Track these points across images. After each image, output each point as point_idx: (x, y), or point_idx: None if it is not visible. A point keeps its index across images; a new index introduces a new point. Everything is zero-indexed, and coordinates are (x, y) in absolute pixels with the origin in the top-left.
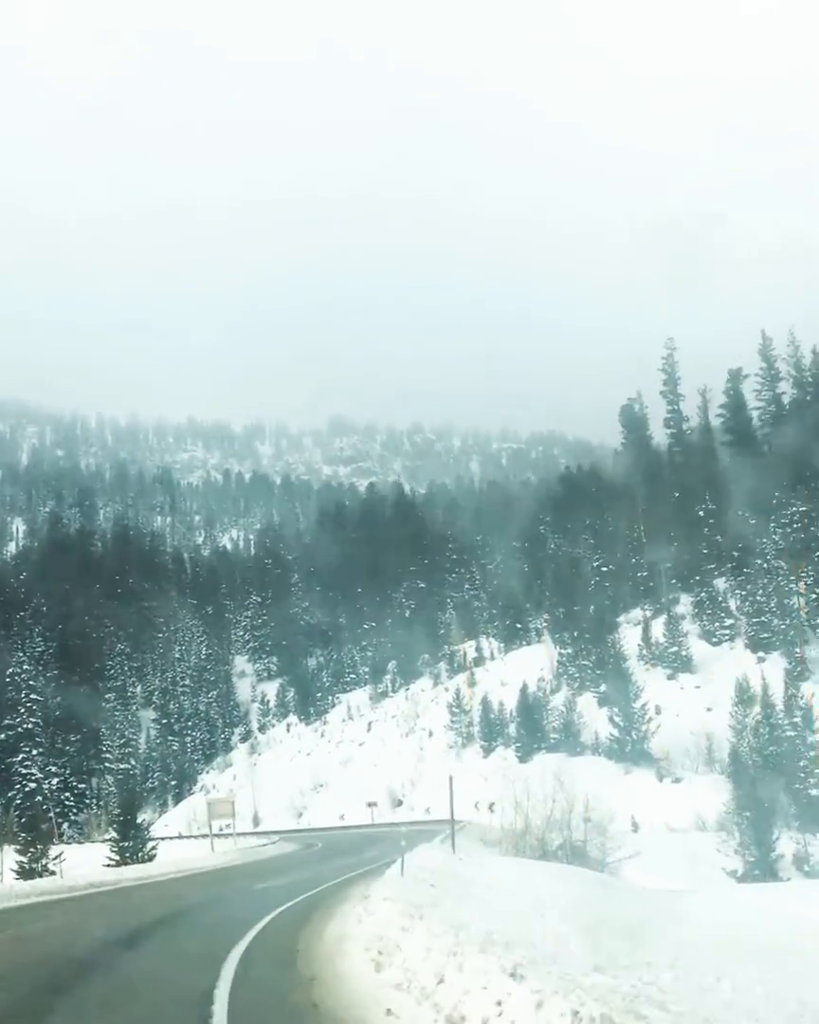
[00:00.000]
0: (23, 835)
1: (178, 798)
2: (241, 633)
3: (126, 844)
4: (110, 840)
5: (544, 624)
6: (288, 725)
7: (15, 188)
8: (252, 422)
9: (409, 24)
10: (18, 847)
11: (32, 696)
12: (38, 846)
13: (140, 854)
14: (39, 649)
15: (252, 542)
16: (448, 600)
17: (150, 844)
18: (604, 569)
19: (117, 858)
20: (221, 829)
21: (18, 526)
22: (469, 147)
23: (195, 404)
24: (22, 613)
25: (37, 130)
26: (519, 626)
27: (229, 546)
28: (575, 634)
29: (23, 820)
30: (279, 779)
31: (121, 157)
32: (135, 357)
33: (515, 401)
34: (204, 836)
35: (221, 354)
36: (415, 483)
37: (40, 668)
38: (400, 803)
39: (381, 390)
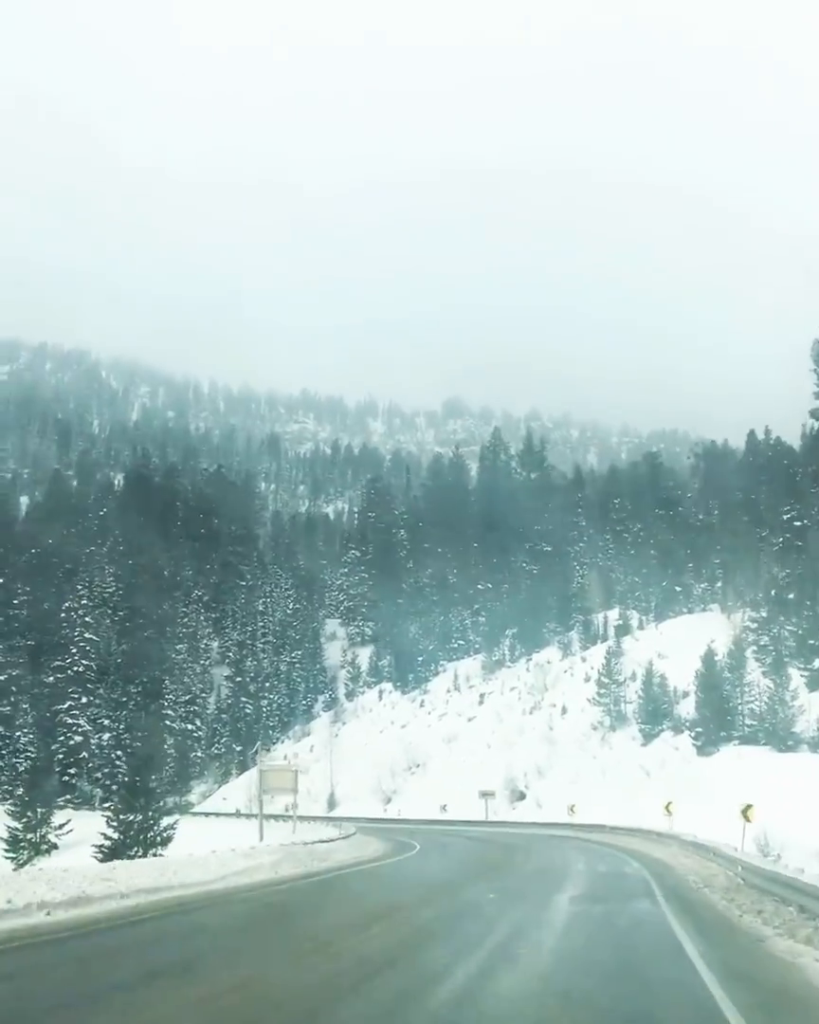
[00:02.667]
0: (20, 796)
1: (244, 768)
2: (335, 594)
3: (132, 818)
4: (109, 811)
5: (711, 589)
6: (381, 692)
7: (160, 152)
8: (365, 398)
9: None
10: (10, 808)
11: (86, 635)
12: (35, 811)
13: (149, 836)
14: (109, 589)
15: (356, 509)
16: (578, 566)
17: (168, 821)
18: (798, 523)
19: (115, 840)
20: (286, 809)
21: (119, 479)
22: (611, 136)
23: (310, 377)
24: (92, 548)
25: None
26: (678, 589)
27: (331, 515)
28: (770, 595)
29: (26, 775)
30: (365, 755)
31: (263, 131)
32: (252, 327)
33: (638, 399)
34: (255, 816)
35: (340, 329)
36: None
37: (103, 608)
38: (522, 796)
39: (500, 377)
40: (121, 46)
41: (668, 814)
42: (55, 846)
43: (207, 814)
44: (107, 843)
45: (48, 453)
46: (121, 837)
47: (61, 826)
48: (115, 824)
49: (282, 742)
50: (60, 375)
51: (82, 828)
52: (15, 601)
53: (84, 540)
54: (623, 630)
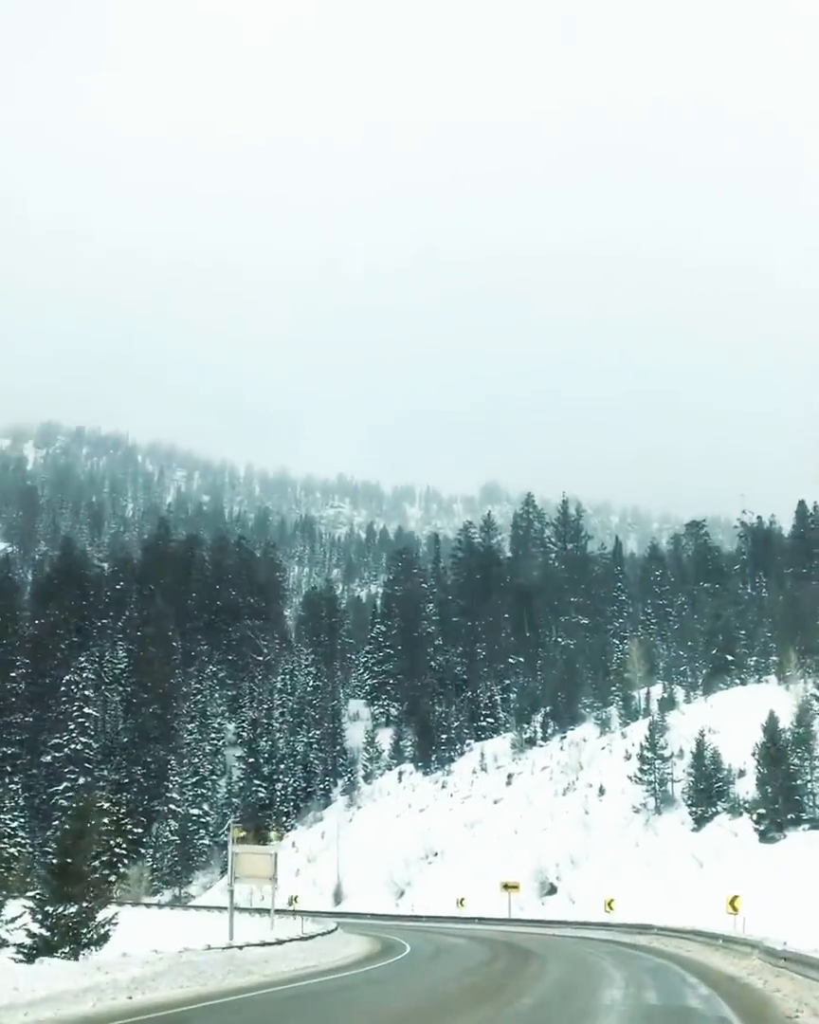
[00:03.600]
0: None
1: None
2: (360, 672)
3: (60, 910)
4: (33, 902)
5: (764, 661)
6: (401, 773)
7: (198, 241)
8: (402, 484)
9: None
10: (34, 901)
11: (86, 711)
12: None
13: (81, 932)
14: (118, 664)
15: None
16: (617, 640)
17: (106, 914)
18: None
19: (38, 937)
20: (290, 902)
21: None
22: (651, 215)
23: (347, 462)
24: (103, 622)
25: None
26: (730, 657)
27: (364, 598)
28: None
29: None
30: (379, 843)
31: (302, 218)
32: (290, 413)
33: (676, 485)
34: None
35: (378, 415)
36: None
37: (110, 684)
38: (552, 889)
39: (538, 463)
40: (173, 137)
41: (733, 911)
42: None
43: (198, 907)
44: (28, 942)
45: (80, 535)
46: (48, 933)
47: (12, 919)
48: (39, 917)
49: (295, 829)
50: (96, 459)
51: None
52: (13, 674)
53: (96, 614)
54: (668, 704)
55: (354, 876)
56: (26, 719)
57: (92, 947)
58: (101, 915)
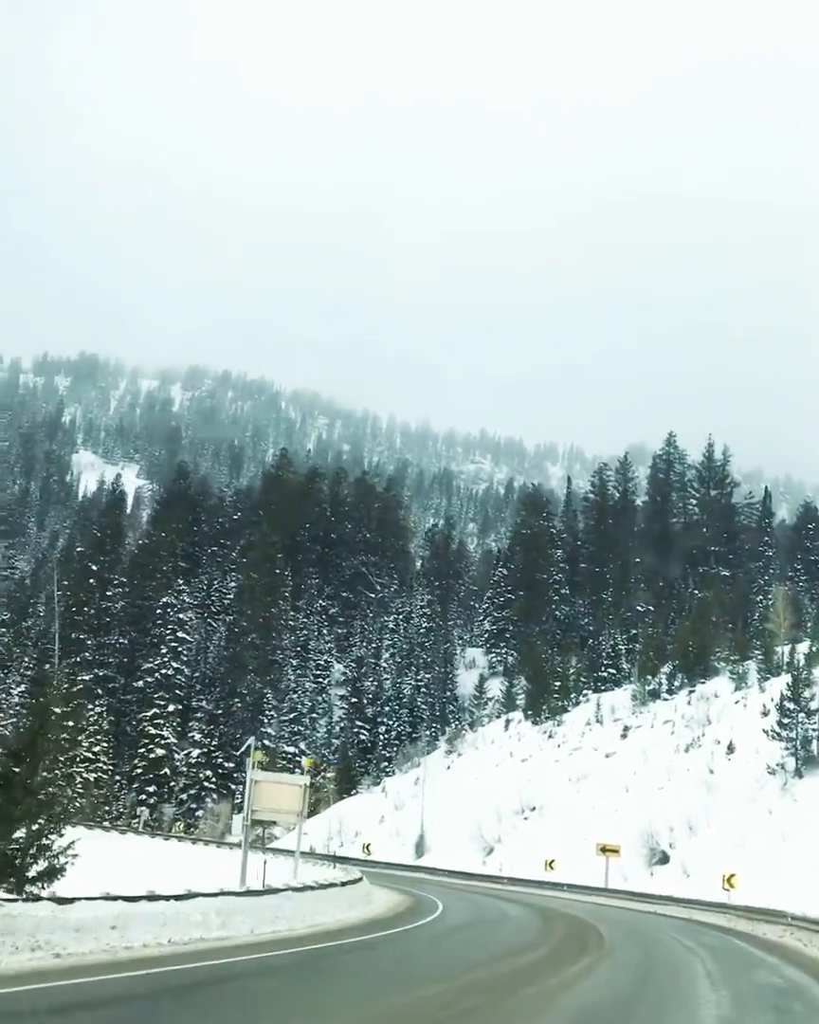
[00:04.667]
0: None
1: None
2: (480, 620)
3: None
4: None
5: None
6: (508, 722)
7: (359, 195)
8: (546, 441)
9: None
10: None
11: (178, 634)
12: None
13: (22, 863)
14: (228, 597)
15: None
16: (761, 594)
17: (64, 842)
18: None
19: None
20: (365, 850)
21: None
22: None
23: (490, 418)
24: (213, 548)
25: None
26: None
27: (496, 550)
28: None
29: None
30: (472, 792)
31: (451, 175)
32: (436, 366)
33: None
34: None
35: (522, 371)
36: None
37: (214, 613)
38: (665, 858)
39: (688, 427)
40: (329, 95)
41: None
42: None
43: (274, 850)
44: None
45: (219, 475)
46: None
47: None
48: None
49: (394, 775)
50: (240, 403)
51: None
52: (110, 593)
53: (208, 541)
54: (815, 658)
55: (441, 828)
56: (121, 641)
57: (40, 882)
58: (60, 842)
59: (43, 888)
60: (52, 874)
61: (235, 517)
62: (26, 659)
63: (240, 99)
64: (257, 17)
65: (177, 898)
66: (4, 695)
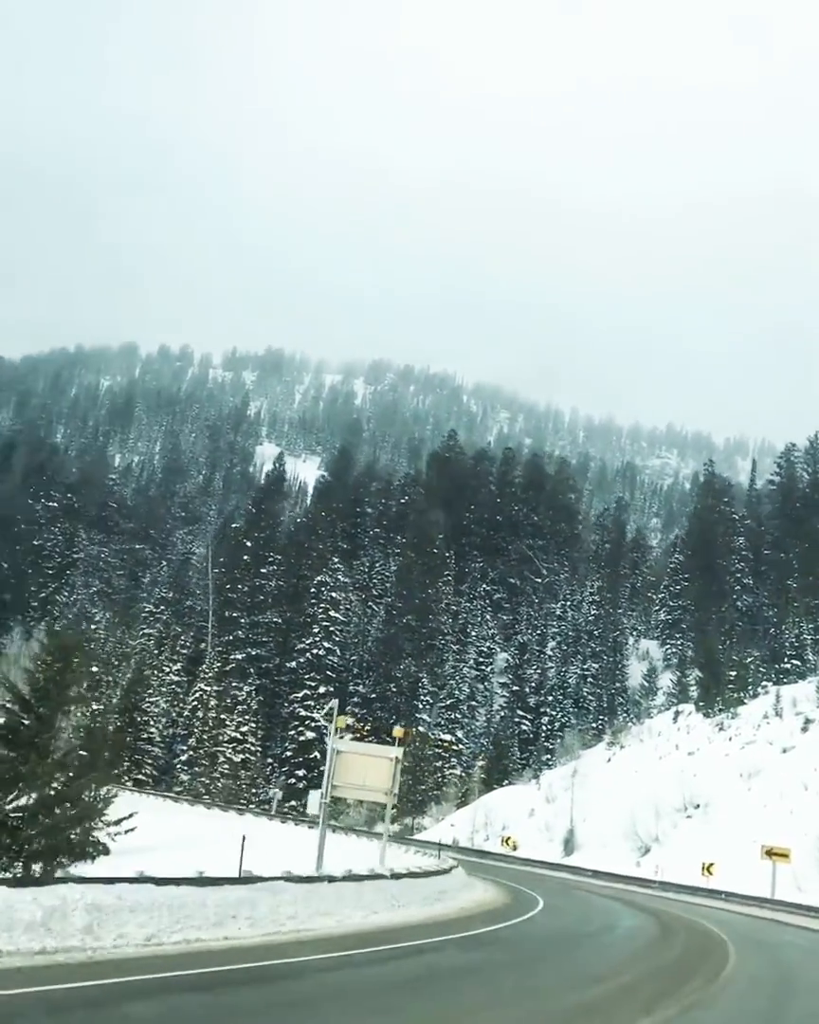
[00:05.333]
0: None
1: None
2: (656, 609)
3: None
4: None
5: None
6: (677, 713)
7: (544, 187)
8: (736, 436)
9: None
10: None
11: (331, 614)
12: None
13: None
14: (389, 580)
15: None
16: None
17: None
18: None
19: None
20: (508, 845)
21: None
22: None
23: (677, 412)
24: (376, 530)
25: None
26: None
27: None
28: None
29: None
30: (631, 786)
31: (653, 165)
32: (621, 360)
33: None
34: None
35: (711, 364)
36: None
37: (374, 597)
38: None
39: None
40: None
41: None
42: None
43: (415, 841)
44: None
45: (399, 468)
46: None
47: (118, 821)
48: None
49: (554, 767)
50: (422, 397)
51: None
52: (264, 570)
53: (371, 523)
54: None
55: (594, 824)
56: (275, 620)
57: (85, 858)
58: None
59: (82, 866)
60: (94, 851)
61: (403, 502)
62: (183, 638)
63: (423, 93)
64: (457, 9)
65: (326, 879)
66: (161, 673)
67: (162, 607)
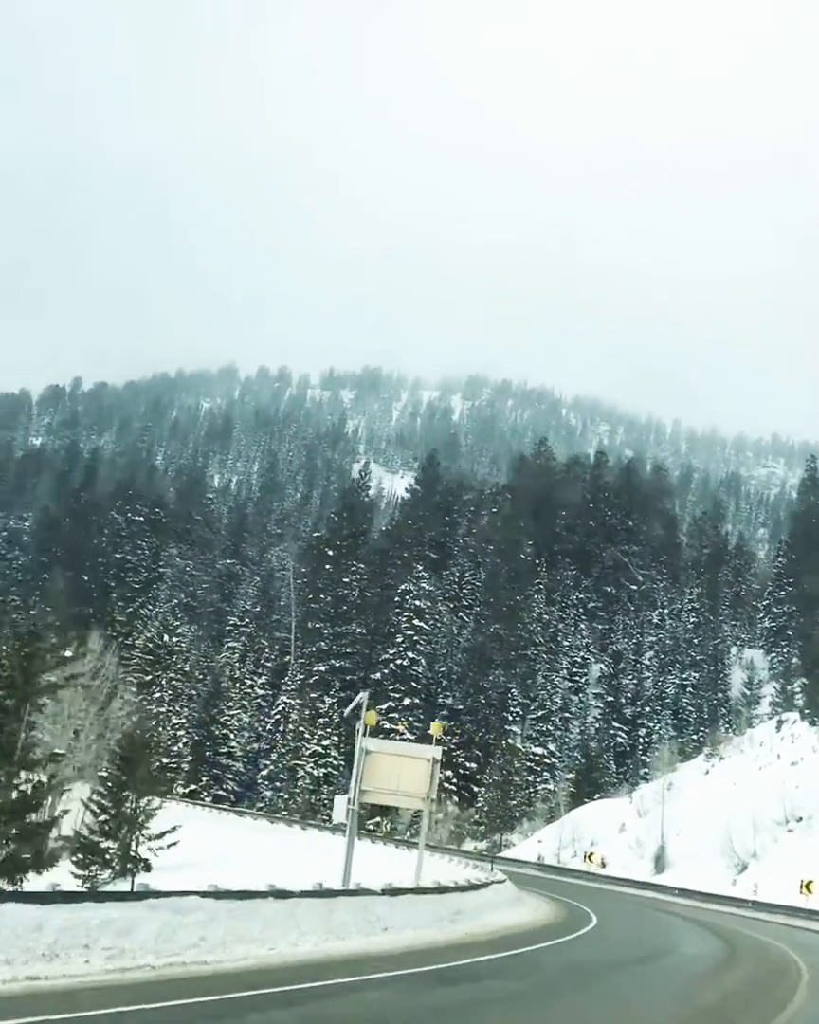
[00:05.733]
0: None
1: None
2: (760, 616)
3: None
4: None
5: None
6: (780, 722)
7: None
8: None
9: None
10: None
11: (415, 623)
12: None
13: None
14: (463, 578)
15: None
16: None
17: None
18: None
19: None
20: (591, 861)
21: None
22: None
23: (782, 421)
24: (467, 539)
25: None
26: None
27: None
28: None
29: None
30: (727, 798)
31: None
32: (722, 369)
33: None
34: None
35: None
36: None
37: (464, 606)
38: None
39: None
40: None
41: None
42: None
43: (497, 857)
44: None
45: (496, 481)
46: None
47: (160, 835)
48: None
49: (650, 780)
50: (520, 412)
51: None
52: (347, 580)
53: (460, 531)
54: None
55: (687, 839)
56: (360, 631)
57: (138, 869)
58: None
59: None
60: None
61: (493, 510)
62: (267, 652)
63: (512, 112)
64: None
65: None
66: (244, 687)
67: (248, 621)
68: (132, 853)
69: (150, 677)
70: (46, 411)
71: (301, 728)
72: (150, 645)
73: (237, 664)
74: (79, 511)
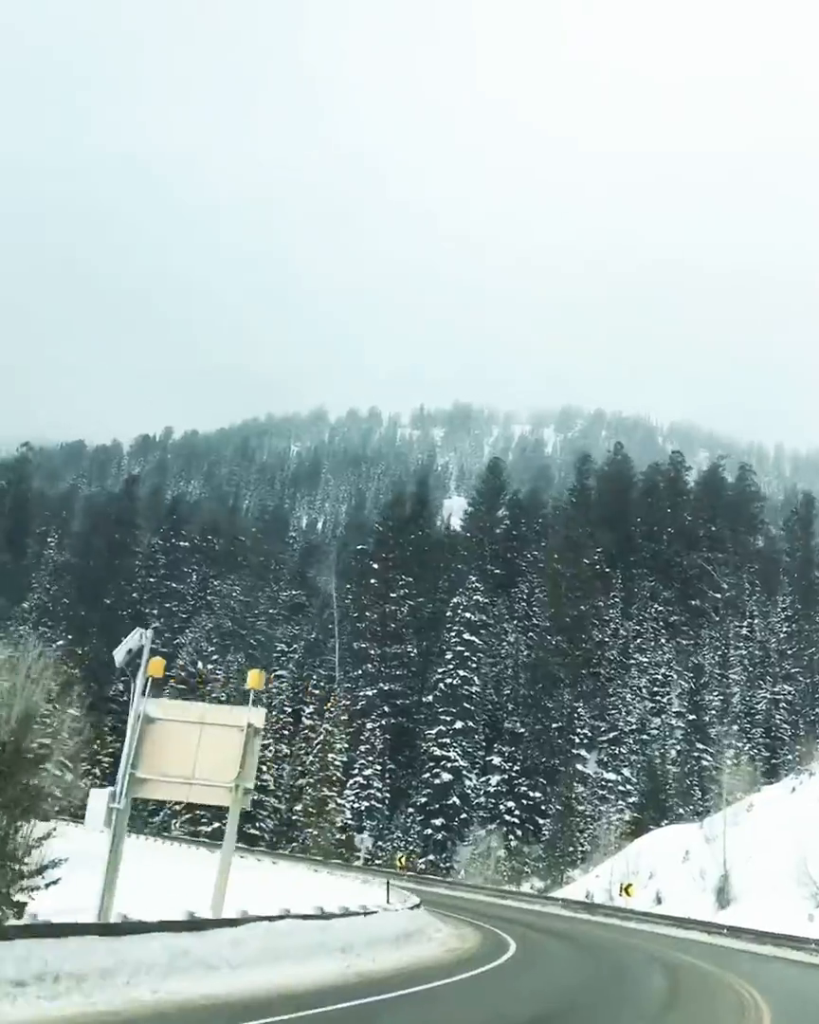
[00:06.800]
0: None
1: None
2: None
3: None
4: None
5: None
6: None
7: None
8: None
9: None
10: None
11: (465, 637)
12: None
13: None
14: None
15: None
16: None
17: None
18: None
19: None
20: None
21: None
22: None
23: None
24: (535, 553)
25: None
26: None
27: None
28: None
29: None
30: (806, 823)
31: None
32: None
33: None
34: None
35: None
36: None
37: (534, 626)
38: None
39: None
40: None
41: None
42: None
43: (548, 896)
44: None
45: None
46: None
47: (38, 870)
48: None
49: (731, 803)
50: (614, 441)
51: None
52: (393, 594)
53: (527, 546)
54: None
55: (759, 869)
56: (410, 651)
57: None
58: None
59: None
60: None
61: (565, 522)
62: (314, 676)
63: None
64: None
65: None
66: (289, 719)
67: (295, 647)
68: (4, 892)
69: None
70: (136, 461)
71: (328, 756)
72: (181, 673)
73: (280, 690)
74: (118, 541)
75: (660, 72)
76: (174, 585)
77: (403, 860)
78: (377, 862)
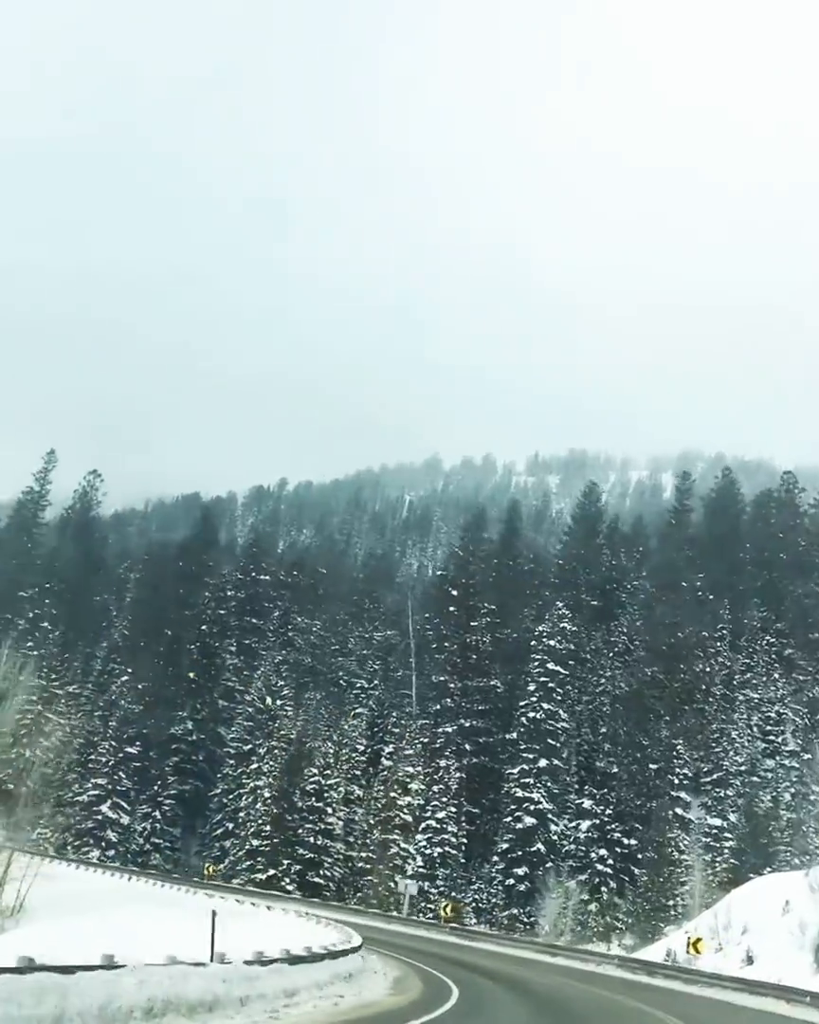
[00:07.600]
0: None
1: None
2: None
3: None
4: None
5: None
6: None
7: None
8: None
9: None
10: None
11: (548, 666)
12: None
13: None
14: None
15: None
16: None
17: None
18: None
19: None
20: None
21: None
22: None
23: None
24: (634, 584)
25: None
26: None
27: None
28: None
29: None
30: None
31: None
32: None
33: None
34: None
35: None
36: None
37: (633, 662)
38: None
39: None
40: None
41: None
42: None
43: (627, 958)
44: None
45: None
46: None
47: None
48: None
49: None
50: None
51: None
52: (474, 623)
53: (626, 576)
54: None
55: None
56: (493, 684)
57: None
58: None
59: None
60: None
61: (664, 549)
62: (395, 714)
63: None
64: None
65: None
66: (362, 758)
67: (375, 682)
68: None
69: (248, 747)
70: (250, 511)
71: (391, 794)
72: (249, 710)
73: (354, 728)
74: (189, 573)
75: (759, 112)
76: (254, 621)
77: (447, 910)
78: (426, 914)
